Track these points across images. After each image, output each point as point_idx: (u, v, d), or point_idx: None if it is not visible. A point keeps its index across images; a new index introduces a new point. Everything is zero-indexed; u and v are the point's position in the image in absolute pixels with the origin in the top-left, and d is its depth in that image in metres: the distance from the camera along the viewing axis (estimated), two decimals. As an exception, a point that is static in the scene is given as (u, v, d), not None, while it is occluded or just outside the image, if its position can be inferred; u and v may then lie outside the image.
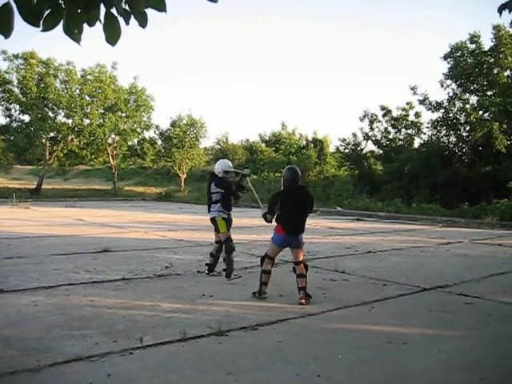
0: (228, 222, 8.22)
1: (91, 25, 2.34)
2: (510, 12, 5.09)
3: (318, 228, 16.45)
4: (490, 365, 4.56)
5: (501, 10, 5.15)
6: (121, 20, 2.35)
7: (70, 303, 6.38)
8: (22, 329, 5.31)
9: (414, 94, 26.12)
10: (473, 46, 24.85)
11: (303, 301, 6.50)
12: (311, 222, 18.08)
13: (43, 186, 33.83)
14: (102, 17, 2.35)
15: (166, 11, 2.41)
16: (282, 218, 6.76)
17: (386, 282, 7.96)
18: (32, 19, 2.23)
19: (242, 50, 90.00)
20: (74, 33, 2.30)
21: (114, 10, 2.31)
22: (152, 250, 10.88)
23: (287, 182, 6.92)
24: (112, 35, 2.37)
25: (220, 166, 8.28)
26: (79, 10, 2.26)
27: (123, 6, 2.32)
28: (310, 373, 4.25)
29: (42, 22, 2.29)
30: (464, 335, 5.40)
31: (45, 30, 2.30)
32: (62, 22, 2.28)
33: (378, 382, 4.14)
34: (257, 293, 6.81)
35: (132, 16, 2.35)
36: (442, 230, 16.54)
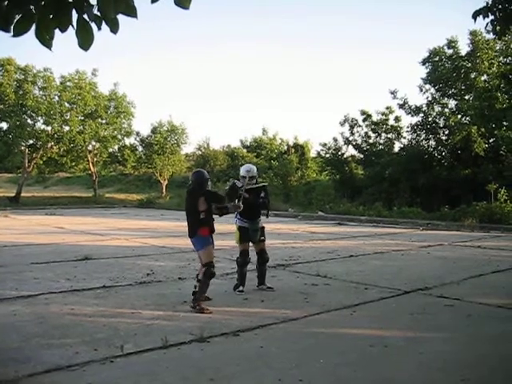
0: (247, 231, 7.57)
1: (63, 30, 2.33)
2: (483, 18, 5.21)
3: (300, 233, 16.49)
4: (470, 366, 4.59)
5: (475, 16, 5.27)
6: (94, 26, 2.35)
7: (49, 312, 6.30)
8: (0, 339, 5.23)
9: (394, 98, 26.37)
10: (450, 51, 25.26)
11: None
12: (293, 227, 18.15)
13: (23, 194, 33.37)
14: (74, 22, 2.34)
15: (136, 17, 2.42)
16: None
17: (368, 285, 8.00)
18: (2, 24, 2.22)
19: (223, 55, 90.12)
20: (45, 38, 2.29)
21: (86, 16, 2.31)
22: (133, 257, 10.82)
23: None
24: (85, 41, 2.37)
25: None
26: (51, 16, 2.25)
27: (95, 12, 2.32)
28: (291, 378, 4.24)
29: (12, 27, 2.28)
30: (444, 337, 5.44)
31: (15, 35, 2.29)
32: (33, 27, 2.27)
33: (359, 386, 4.15)
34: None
35: (103, 22, 2.35)
36: (423, 233, 16.69)
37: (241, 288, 7.53)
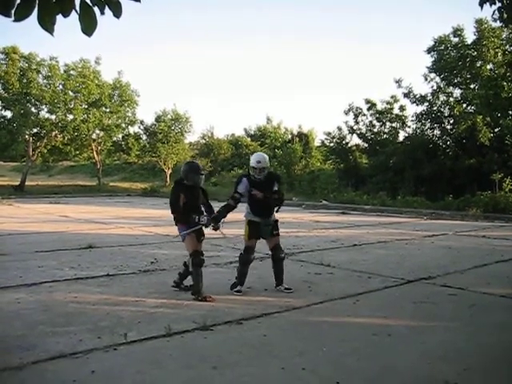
0: (257, 226, 6.85)
1: (66, 15, 2.30)
2: (490, 5, 5.14)
3: (304, 221, 16.49)
4: (473, 355, 4.59)
5: (482, 3, 5.20)
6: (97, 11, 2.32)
7: (53, 300, 6.32)
8: (5, 327, 5.26)
9: (399, 87, 26.25)
10: (456, 40, 25.06)
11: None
12: (296, 216, 18.13)
13: (27, 183, 33.44)
14: (77, 7, 2.31)
15: (139, 0, 2.39)
16: None
17: (371, 274, 7.99)
18: (3, 8, 2.19)
19: (227, 44, 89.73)
20: (47, 23, 2.26)
21: (88, 0, 2.28)
22: (137, 246, 10.84)
23: None
24: (88, 26, 2.34)
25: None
26: (53, 0, 2.22)
27: None
28: (294, 366, 4.25)
29: (13, 12, 2.26)
30: (447, 326, 5.44)
31: (17, 19, 2.26)
32: (35, 12, 2.24)
33: (362, 375, 4.15)
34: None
35: (106, 6, 2.32)
36: (427, 222, 16.66)
37: (239, 288, 6.83)
